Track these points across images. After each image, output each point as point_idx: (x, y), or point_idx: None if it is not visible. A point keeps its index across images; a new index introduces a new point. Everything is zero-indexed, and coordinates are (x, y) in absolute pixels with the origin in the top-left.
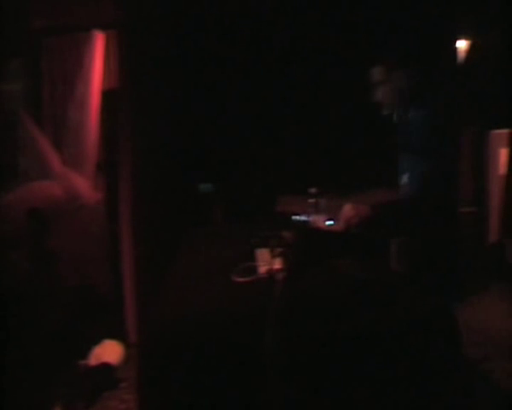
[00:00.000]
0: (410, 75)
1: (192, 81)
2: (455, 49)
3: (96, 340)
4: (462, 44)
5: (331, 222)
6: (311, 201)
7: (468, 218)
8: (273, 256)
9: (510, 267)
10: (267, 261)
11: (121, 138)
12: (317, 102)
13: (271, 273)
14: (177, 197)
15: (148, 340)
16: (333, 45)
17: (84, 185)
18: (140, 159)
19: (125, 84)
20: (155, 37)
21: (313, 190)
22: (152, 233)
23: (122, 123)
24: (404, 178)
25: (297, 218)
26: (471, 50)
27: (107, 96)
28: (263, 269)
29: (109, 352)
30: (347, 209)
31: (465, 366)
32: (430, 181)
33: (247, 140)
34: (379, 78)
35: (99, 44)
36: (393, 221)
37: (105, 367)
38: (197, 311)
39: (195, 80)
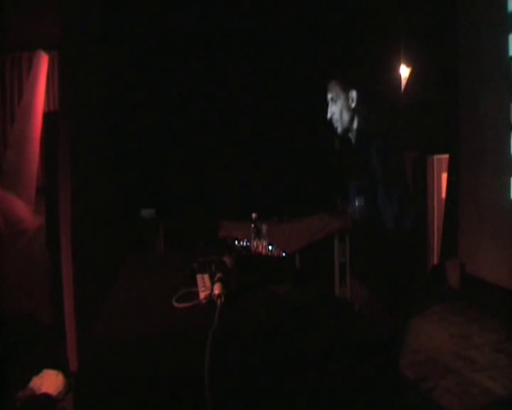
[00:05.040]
0: (358, 98)
1: (135, 105)
2: (399, 75)
3: (35, 369)
4: (404, 71)
5: (272, 247)
6: (253, 226)
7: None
8: (213, 281)
9: (450, 289)
10: (207, 287)
11: (60, 162)
12: (259, 127)
13: (211, 299)
14: (119, 222)
15: (86, 369)
16: (281, 71)
17: (24, 210)
18: (79, 183)
19: (65, 106)
20: (96, 58)
21: (254, 216)
22: (92, 259)
23: (61, 146)
24: (353, 204)
25: (238, 243)
26: (413, 77)
27: (49, 118)
28: (203, 294)
29: (49, 382)
30: None
31: (405, 386)
32: (382, 208)
33: (191, 165)
34: (330, 95)
35: (43, 65)
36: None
37: (45, 398)
38: (137, 338)
39: (138, 104)
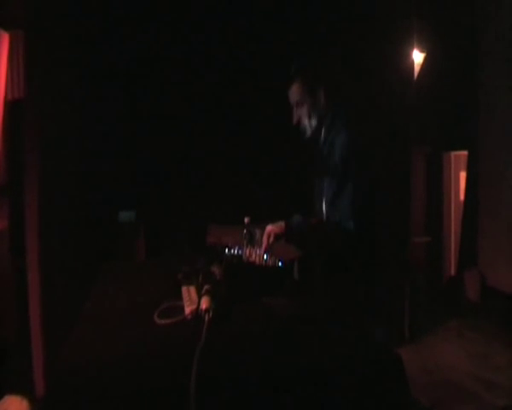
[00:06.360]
0: (327, 95)
1: (114, 100)
2: (411, 61)
3: None
4: (417, 57)
5: (266, 255)
6: (245, 232)
7: (422, 248)
8: (200, 294)
9: (469, 302)
10: (194, 300)
11: (27, 157)
12: (256, 125)
13: (198, 314)
14: (93, 226)
15: (55, 394)
16: (253, 69)
17: None
18: (48, 181)
19: (32, 93)
20: (69, 39)
21: (247, 220)
22: (63, 268)
23: (28, 138)
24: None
25: (229, 250)
26: (427, 64)
27: (13, 106)
28: (189, 309)
29: (12, 409)
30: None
31: None
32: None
33: (175, 164)
34: (295, 99)
35: (3, 46)
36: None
37: None
38: (114, 359)
39: (118, 99)
